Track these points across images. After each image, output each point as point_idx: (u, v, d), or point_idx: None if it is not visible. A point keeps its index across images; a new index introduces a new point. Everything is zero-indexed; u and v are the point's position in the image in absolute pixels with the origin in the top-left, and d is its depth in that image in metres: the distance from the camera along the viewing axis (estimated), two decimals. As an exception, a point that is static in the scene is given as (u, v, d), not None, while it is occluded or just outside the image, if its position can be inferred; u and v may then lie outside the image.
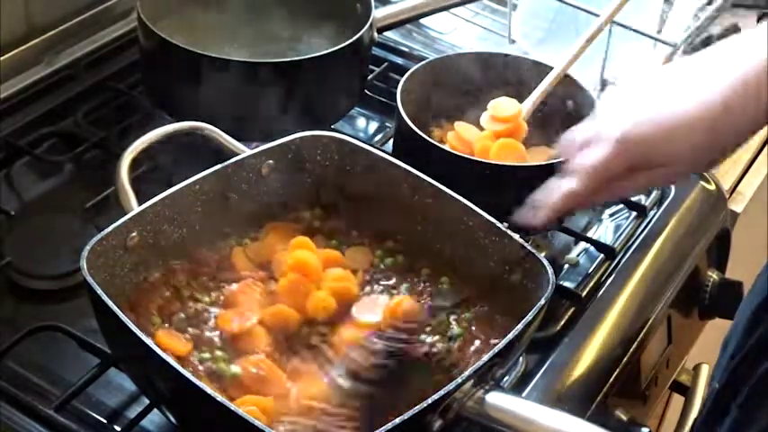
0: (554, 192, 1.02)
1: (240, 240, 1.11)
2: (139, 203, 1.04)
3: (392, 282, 1.09)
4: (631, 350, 1.19)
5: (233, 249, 1.10)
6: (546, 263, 1.01)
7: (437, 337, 1.03)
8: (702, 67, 0.96)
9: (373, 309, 1.05)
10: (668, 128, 0.95)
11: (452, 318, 1.05)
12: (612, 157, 0.98)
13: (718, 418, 1.09)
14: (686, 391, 1.38)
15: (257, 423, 0.85)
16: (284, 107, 1.28)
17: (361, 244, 1.13)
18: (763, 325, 1.07)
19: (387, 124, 1.44)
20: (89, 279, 0.93)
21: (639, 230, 1.31)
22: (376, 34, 1.38)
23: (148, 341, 0.90)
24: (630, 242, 1.29)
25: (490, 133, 1.24)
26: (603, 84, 1.52)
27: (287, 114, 1.28)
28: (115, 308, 0.91)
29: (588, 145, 1.00)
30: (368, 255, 1.12)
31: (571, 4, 1.50)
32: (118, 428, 1.02)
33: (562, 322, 1.18)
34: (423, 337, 1.02)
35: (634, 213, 1.34)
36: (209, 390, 0.87)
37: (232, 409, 0.86)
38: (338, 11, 1.43)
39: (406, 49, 1.55)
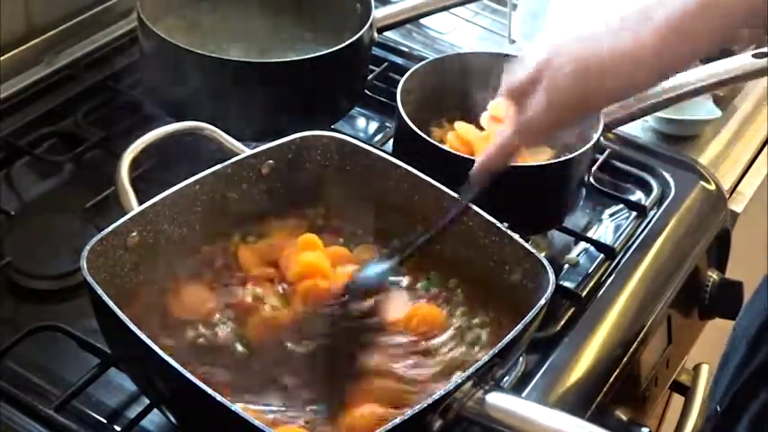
0: (493, 146, 1.01)
1: (243, 238, 1.11)
2: (140, 203, 1.04)
3: (407, 282, 1.09)
4: (631, 350, 1.19)
5: (239, 247, 1.10)
6: (546, 263, 1.01)
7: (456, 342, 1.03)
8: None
9: (395, 306, 1.05)
10: (606, 76, 0.91)
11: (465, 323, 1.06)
12: (548, 108, 0.94)
13: None
14: (686, 391, 1.38)
15: (257, 423, 0.85)
16: (284, 107, 1.28)
17: (368, 242, 1.12)
18: (765, 348, 1.06)
19: (387, 124, 1.44)
20: (89, 279, 0.93)
21: (639, 230, 1.31)
22: (376, 34, 1.38)
23: (148, 341, 0.89)
24: (630, 242, 1.29)
25: (490, 133, 1.24)
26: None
27: (287, 114, 1.28)
28: (115, 308, 0.91)
29: (531, 90, 0.96)
30: (375, 253, 1.12)
31: (571, 4, 1.50)
32: (118, 428, 1.02)
33: (562, 322, 1.18)
34: (445, 349, 1.02)
35: (634, 213, 1.34)
36: (209, 390, 0.87)
37: (232, 409, 0.85)
38: (338, 11, 1.43)
39: (406, 49, 1.55)
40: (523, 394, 1.09)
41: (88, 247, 0.96)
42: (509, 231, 1.05)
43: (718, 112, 1.47)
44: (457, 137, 1.25)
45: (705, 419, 1.23)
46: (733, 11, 0.87)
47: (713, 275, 1.39)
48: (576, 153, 1.20)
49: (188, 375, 0.87)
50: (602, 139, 1.33)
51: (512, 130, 0.99)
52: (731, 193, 1.45)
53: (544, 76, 0.94)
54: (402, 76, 1.27)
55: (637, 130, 1.46)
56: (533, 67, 0.96)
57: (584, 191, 1.29)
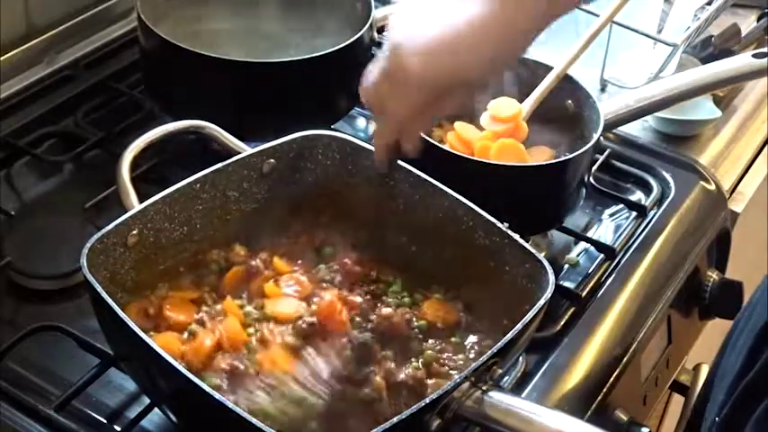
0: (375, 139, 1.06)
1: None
2: (140, 202, 1.04)
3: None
4: (631, 350, 1.20)
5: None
6: (546, 263, 1.01)
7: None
8: None
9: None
10: (454, 47, 0.91)
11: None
12: (412, 99, 0.95)
13: None
14: (686, 391, 1.38)
15: (257, 423, 0.85)
16: (284, 107, 1.28)
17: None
18: (761, 361, 1.05)
19: (387, 124, 1.43)
20: (89, 277, 0.93)
21: (639, 230, 1.31)
22: (376, 34, 1.38)
23: (149, 340, 0.90)
24: (630, 242, 1.29)
25: (490, 133, 1.24)
26: (603, 84, 1.52)
27: (287, 114, 1.28)
28: (115, 306, 0.91)
29: (387, 87, 0.96)
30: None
31: (571, 4, 1.50)
32: (118, 428, 1.02)
33: (562, 322, 1.18)
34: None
35: (634, 213, 1.34)
36: (209, 389, 0.87)
37: (232, 408, 0.85)
38: (338, 11, 1.43)
39: (406, 50, 1.54)
40: (523, 394, 1.09)
41: (88, 245, 0.96)
42: (509, 231, 1.05)
43: (718, 112, 1.47)
44: (457, 137, 1.25)
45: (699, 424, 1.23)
46: None
47: (713, 275, 1.39)
48: (576, 153, 1.20)
49: (188, 374, 0.87)
50: (602, 139, 1.33)
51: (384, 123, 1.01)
52: (731, 193, 1.45)
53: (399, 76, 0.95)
54: (402, 75, 1.27)
55: (637, 130, 1.46)
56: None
57: (584, 191, 1.29)
